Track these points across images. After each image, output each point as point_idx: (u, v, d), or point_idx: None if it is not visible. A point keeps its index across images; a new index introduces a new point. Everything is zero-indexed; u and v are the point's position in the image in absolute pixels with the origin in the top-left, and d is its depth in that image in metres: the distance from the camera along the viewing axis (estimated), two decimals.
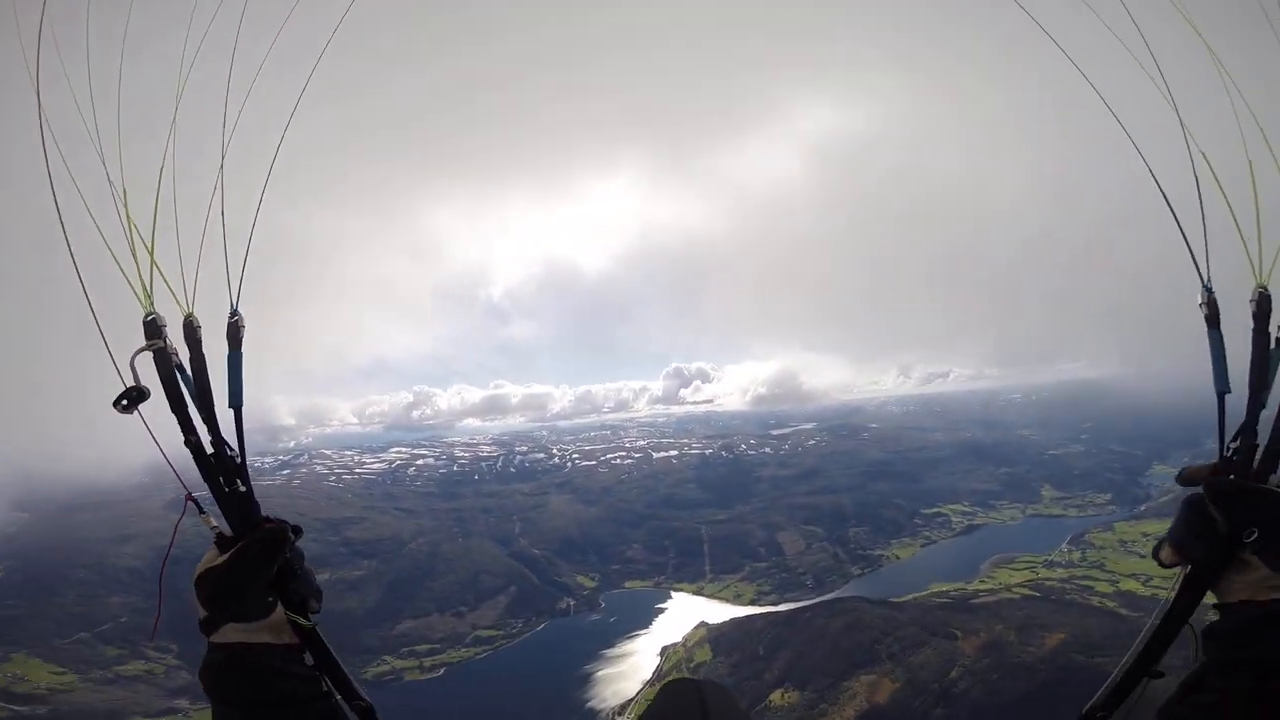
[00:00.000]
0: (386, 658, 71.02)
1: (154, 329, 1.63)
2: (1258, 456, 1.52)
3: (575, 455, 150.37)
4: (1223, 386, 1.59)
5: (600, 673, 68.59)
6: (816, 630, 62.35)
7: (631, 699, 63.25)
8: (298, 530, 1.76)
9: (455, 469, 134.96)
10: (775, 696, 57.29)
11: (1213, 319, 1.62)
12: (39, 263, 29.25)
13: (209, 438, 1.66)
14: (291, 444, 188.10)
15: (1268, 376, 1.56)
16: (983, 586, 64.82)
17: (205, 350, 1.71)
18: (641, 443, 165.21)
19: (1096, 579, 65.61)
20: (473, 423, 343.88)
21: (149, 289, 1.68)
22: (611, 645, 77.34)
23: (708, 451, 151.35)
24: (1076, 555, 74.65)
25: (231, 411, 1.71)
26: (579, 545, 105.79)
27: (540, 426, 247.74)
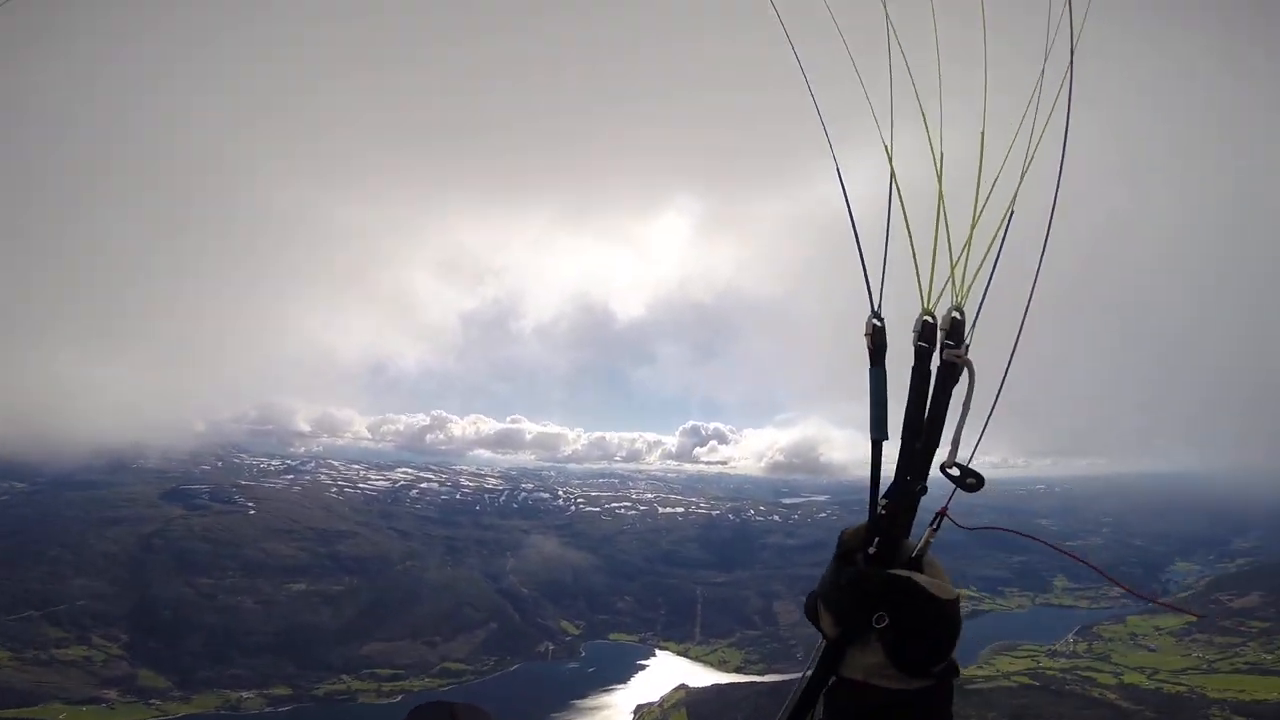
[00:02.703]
0: (344, 676, 69.01)
1: None
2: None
3: (580, 500, 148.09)
4: (879, 434, 1.37)
5: None
6: None
7: None
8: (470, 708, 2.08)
9: (458, 497, 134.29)
10: None
11: (877, 354, 1.40)
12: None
13: None
14: (302, 450, 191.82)
15: (923, 422, 1.34)
16: (979, 673, 60.88)
17: None
18: (649, 495, 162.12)
19: (1100, 670, 61.62)
20: (484, 454, 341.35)
21: None
22: (584, 696, 74.10)
23: (714, 512, 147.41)
24: (1082, 646, 70.59)
25: None
26: (569, 590, 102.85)
27: (550, 466, 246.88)
